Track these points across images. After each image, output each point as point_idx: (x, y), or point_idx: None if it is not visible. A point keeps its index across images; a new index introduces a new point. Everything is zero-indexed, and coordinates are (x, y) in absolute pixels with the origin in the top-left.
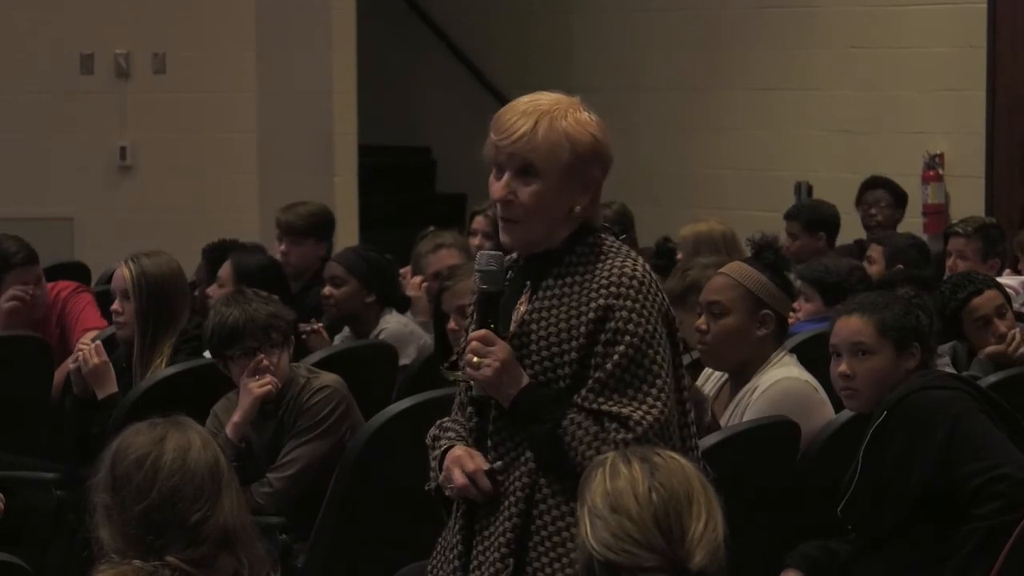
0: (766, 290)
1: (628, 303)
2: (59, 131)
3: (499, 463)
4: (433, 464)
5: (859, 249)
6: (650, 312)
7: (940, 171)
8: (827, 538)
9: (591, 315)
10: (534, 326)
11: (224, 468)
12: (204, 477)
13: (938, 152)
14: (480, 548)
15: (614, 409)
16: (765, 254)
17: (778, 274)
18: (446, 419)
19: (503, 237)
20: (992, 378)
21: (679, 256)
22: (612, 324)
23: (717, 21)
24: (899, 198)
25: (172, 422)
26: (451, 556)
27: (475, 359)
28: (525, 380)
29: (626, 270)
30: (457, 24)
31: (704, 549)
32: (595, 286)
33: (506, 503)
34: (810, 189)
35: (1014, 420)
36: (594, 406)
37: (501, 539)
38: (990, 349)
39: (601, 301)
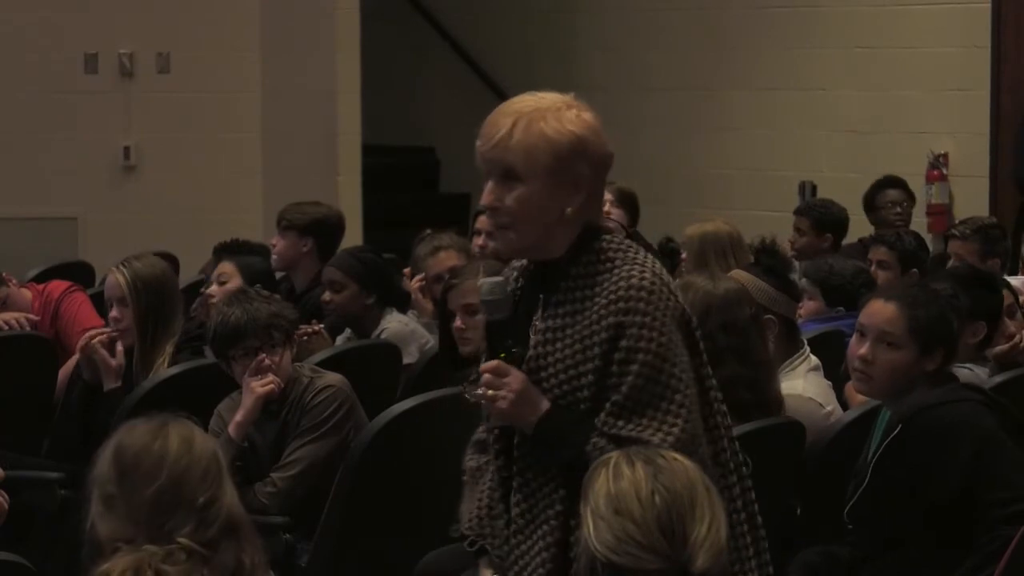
0: (765, 296)
1: (638, 318)
2: (63, 131)
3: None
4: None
5: (863, 248)
6: (662, 322)
7: (944, 171)
8: (828, 542)
9: (603, 335)
10: (548, 347)
11: (222, 460)
12: (209, 461)
13: (942, 152)
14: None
15: (633, 434)
16: (763, 259)
17: (779, 277)
18: (479, 434)
19: (495, 243)
20: (997, 379)
21: (683, 256)
22: (624, 343)
23: (721, 21)
24: (911, 196)
25: (169, 416)
26: None
27: (489, 392)
28: (545, 405)
29: (633, 281)
30: (461, 24)
31: (707, 552)
32: (604, 302)
33: (540, 532)
34: (814, 189)
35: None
36: (614, 431)
37: (540, 570)
38: (998, 349)
39: (611, 319)
